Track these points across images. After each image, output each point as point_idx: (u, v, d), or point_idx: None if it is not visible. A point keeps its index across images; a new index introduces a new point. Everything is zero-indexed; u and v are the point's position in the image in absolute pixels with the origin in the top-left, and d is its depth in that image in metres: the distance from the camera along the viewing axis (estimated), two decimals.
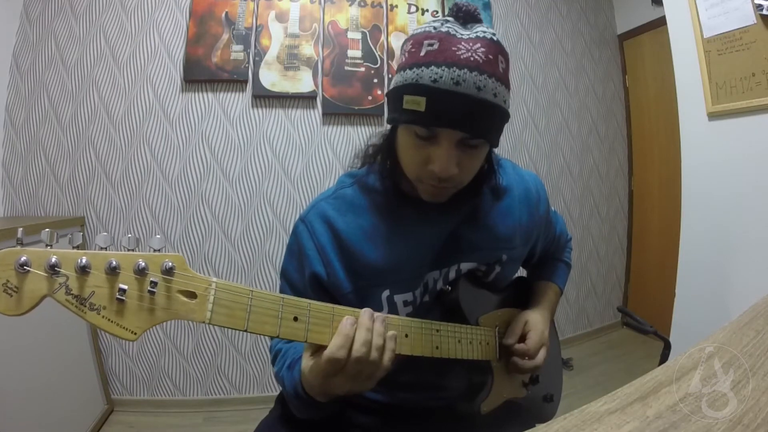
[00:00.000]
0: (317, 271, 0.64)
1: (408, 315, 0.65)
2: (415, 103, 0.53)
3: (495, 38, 0.55)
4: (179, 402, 1.90)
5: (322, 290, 0.64)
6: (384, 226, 0.66)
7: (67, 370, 1.58)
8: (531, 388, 0.75)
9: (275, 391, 1.94)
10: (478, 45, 0.53)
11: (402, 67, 0.57)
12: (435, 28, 0.56)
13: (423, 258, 0.67)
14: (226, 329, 1.92)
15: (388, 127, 0.65)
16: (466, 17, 0.57)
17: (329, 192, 0.71)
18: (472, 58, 0.52)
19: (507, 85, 0.56)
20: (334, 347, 0.48)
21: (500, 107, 0.55)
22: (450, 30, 0.55)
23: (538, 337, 0.71)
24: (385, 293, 0.65)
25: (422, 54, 0.54)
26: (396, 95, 0.57)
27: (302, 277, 0.66)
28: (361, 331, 0.50)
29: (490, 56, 0.53)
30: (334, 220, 0.65)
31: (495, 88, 0.53)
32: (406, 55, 0.57)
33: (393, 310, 0.65)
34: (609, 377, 2.14)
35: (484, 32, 0.55)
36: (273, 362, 0.67)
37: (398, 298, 0.65)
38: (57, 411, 1.45)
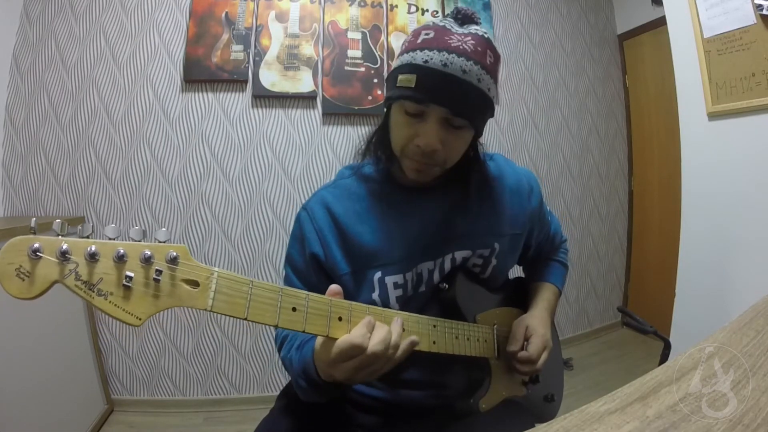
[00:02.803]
0: (316, 251, 0.68)
1: (398, 298, 0.68)
2: (407, 80, 0.60)
3: (486, 36, 0.62)
4: (179, 402, 1.90)
5: (322, 271, 0.69)
6: (376, 209, 0.70)
7: (67, 370, 1.58)
8: (531, 388, 0.76)
9: (275, 391, 1.94)
10: (469, 38, 0.60)
11: (400, 53, 0.64)
12: (433, 22, 0.63)
13: (413, 240, 0.69)
14: (226, 329, 1.93)
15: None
16: (464, 19, 0.64)
17: (330, 182, 0.77)
18: (461, 47, 0.59)
19: (493, 77, 0.62)
20: (358, 333, 0.51)
21: (483, 92, 0.60)
22: (446, 25, 0.62)
23: (540, 341, 0.71)
24: (377, 275, 0.67)
25: (418, 41, 0.61)
26: (392, 76, 0.64)
27: (304, 260, 0.70)
28: (381, 331, 0.53)
29: (479, 48, 0.60)
30: (332, 205, 0.70)
31: (480, 74, 0.59)
32: (406, 44, 0.64)
33: (384, 291, 0.67)
34: (609, 377, 2.14)
35: (476, 30, 0.62)
36: (279, 349, 0.70)
37: (389, 280, 0.68)
38: (57, 411, 1.45)
